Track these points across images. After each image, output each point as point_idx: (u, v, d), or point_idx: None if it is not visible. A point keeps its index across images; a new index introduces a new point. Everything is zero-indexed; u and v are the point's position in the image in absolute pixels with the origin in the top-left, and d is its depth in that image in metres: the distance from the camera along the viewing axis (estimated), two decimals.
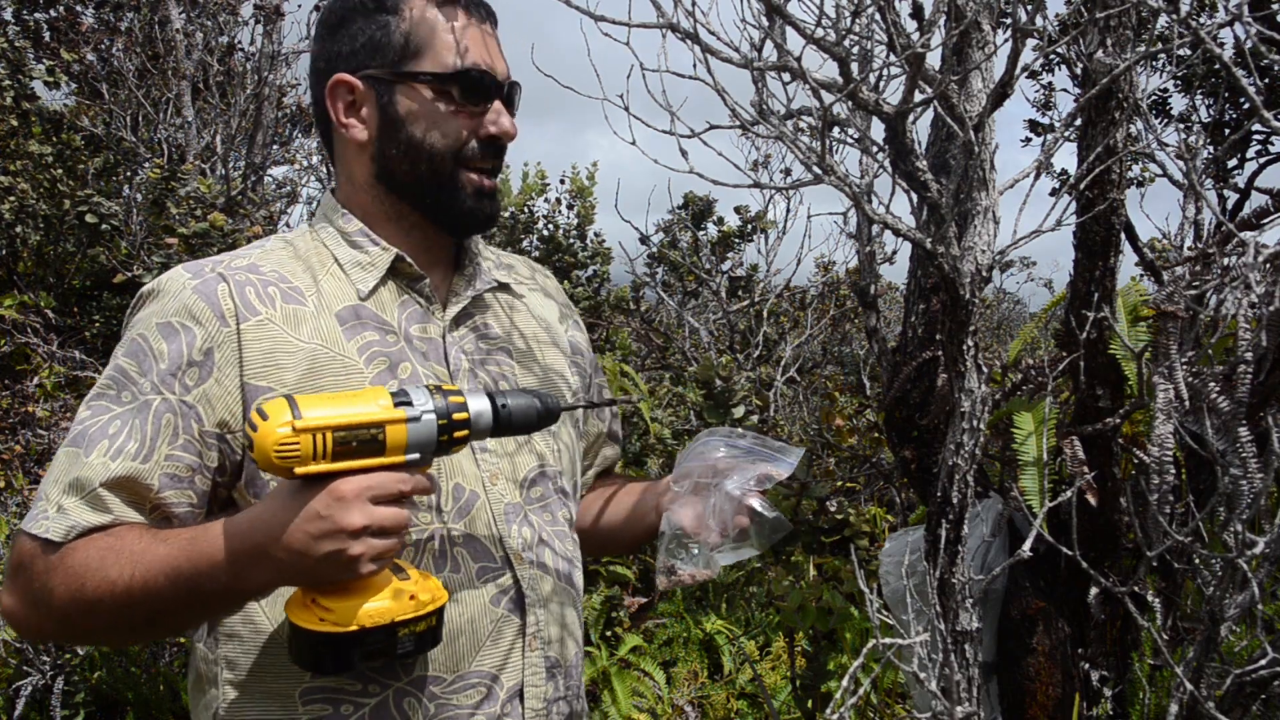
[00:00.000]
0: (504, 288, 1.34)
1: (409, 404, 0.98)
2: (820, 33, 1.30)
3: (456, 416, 1.00)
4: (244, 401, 1.10)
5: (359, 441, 0.95)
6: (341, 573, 0.97)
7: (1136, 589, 1.73)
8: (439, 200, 1.20)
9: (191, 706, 1.20)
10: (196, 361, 1.09)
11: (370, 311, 1.18)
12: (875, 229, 2.15)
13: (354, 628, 0.97)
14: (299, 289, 1.17)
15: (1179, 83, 5.51)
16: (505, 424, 1.05)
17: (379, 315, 1.18)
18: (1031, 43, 1.36)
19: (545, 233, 5.78)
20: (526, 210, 5.79)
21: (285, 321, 1.13)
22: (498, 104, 1.21)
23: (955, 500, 1.55)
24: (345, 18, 1.21)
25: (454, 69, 1.17)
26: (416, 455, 0.99)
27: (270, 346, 1.11)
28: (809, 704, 2.75)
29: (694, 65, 1.29)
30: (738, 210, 5.99)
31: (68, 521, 1.03)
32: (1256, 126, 4.05)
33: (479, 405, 1.03)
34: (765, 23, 1.32)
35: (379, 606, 0.98)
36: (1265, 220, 1.89)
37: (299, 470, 0.94)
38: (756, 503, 1.21)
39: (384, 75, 1.18)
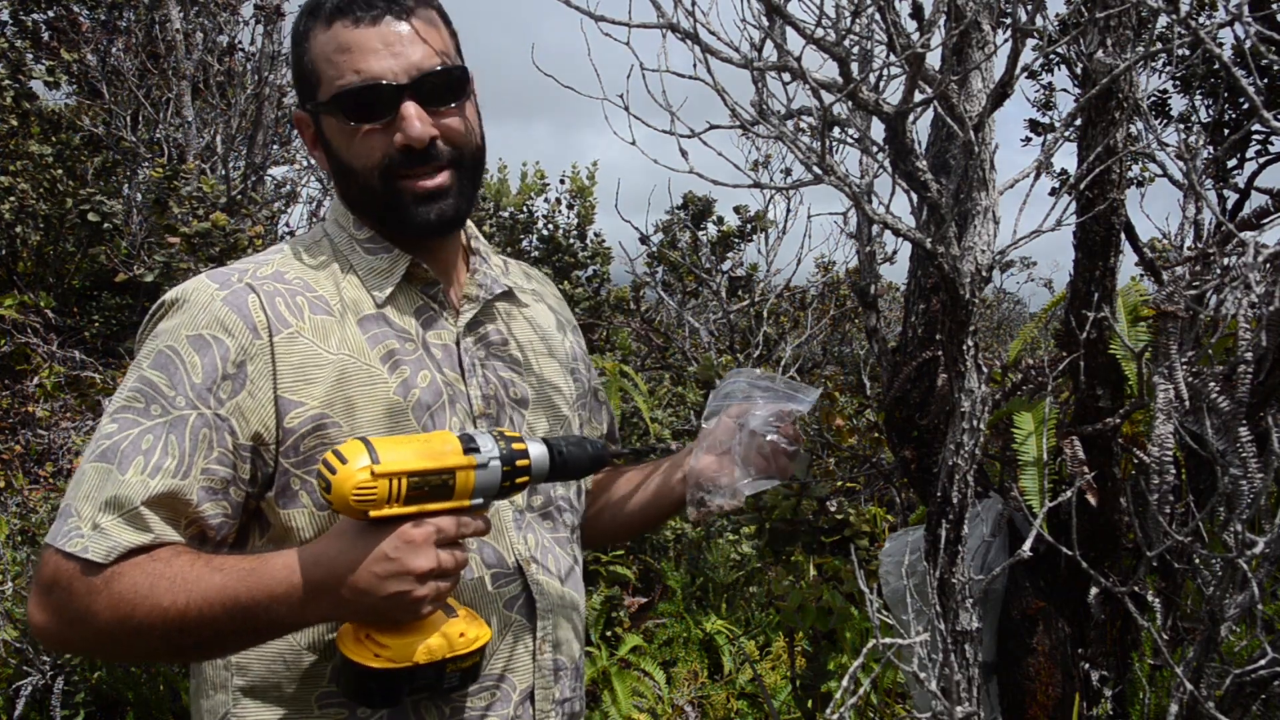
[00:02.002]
0: (508, 295, 1.33)
1: (477, 450, 1.01)
2: (820, 33, 1.30)
3: (519, 463, 1.04)
4: (277, 414, 1.09)
5: (430, 487, 0.98)
6: (405, 614, 1.00)
7: (1136, 589, 1.73)
8: (385, 216, 1.18)
9: (193, 710, 1.20)
10: (230, 374, 1.08)
11: (389, 318, 1.18)
12: (875, 229, 2.15)
13: (409, 665, 1.01)
14: (324, 298, 1.16)
15: (1179, 83, 5.51)
16: (560, 469, 1.09)
17: (397, 322, 1.18)
18: (1031, 43, 1.36)
19: (545, 233, 5.78)
20: (526, 210, 5.79)
21: (314, 333, 1.13)
22: (408, 108, 1.12)
23: (955, 500, 1.55)
24: (290, 51, 1.23)
25: (333, 92, 1.13)
26: (480, 500, 1.03)
27: (301, 360, 1.11)
28: (809, 704, 2.75)
29: (694, 65, 1.29)
30: (737, 210, 6.00)
31: (108, 542, 1.02)
32: (1256, 126, 4.05)
33: (539, 451, 1.08)
34: (765, 23, 1.32)
35: (434, 644, 1.02)
36: (1265, 220, 1.89)
37: (374, 514, 0.97)
38: (776, 437, 1.29)
39: (310, 109, 1.20)
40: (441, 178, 1.16)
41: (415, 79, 1.13)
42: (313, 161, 6.70)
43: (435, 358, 1.19)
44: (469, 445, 1.01)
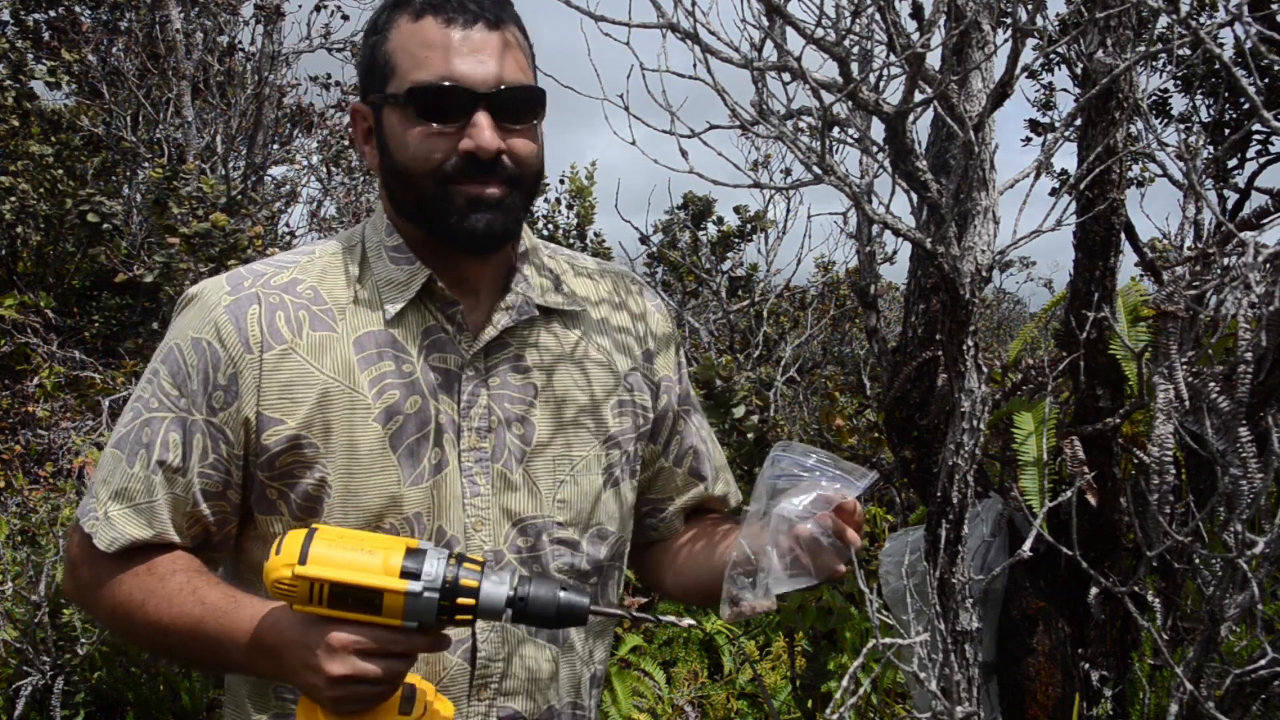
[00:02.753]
0: (553, 313, 1.24)
1: (416, 575, 0.97)
2: (820, 33, 1.30)
3: (461, 601, 0.98)
4: (257, 430, 1.10)
5: (354, 600, 0.98)
6: (330, 706, 1.01)
7: (1136, 589, 1.73)
8: (433, 220, 1.14)
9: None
10: (222, 385, 1.11)
11: (392, 339, 1.14)
12: (875, 229, 2.15)
13: None
14: (330, 311, 1.14)
15: (1179, 83, 5.51)
16: (521, 614, 1.01)
17: (400, 342, 1.15)
18: (1031, 43, 1.36)
19: (545, 233, 5.78)
20: None
21: (309, 351, 1.12)
22: (480, 118, 1.09)
23: (955, 500, 1.55)
24: (362, 44, 1.22)
25: (409, 86, 1.10)
26: (415, 624, 0.99)
27: (289, 379, 1.11)
28: (809, 704, 2.75)
29: (694, 65, 1.29)
30: (737, 210, 6.00)
31: (113, 532, 1.11)
32: (1256, 126, 4.05)
33: (493, 593, 0.99)
34: (765, 23, 1.32)
35: None
36: (1265, 220, 1.89)
37: (296, 608, 0.99)
38: (814, 528, 1.09)
39: (374, 100, 1.16)
40: (495, 190, 1.12)
41: (495, 91, 1.10)
42: (313, 162, 6.70)
43: (431, 383, 1.14)
44: (409, 570, 0.97)
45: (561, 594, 1.01)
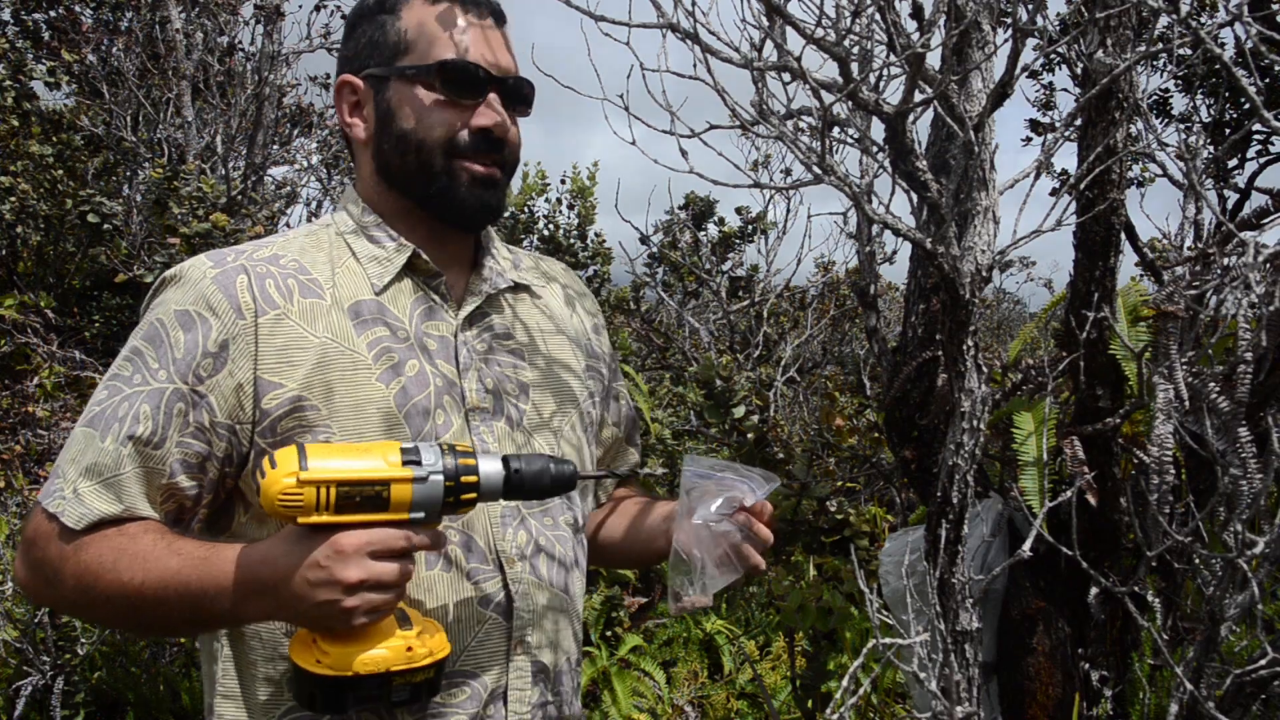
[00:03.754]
0: (522, 288, 1.34)
1: (418, 463, 0.99)
2: (820, 33, 1.30)
3: (465, 479, 1.01)
4: (256, 395, 1.10)
5: (362, 497, 0.97)
6: (335, 623, 0.99)
7: (1136, 589, 1.73)
8: (433, 191, 1.20)
9: (204, 678, 1.23)
10: (211, 353, 1.10)
11: (383, 307, 1.19)
12: (875, 229, 2.15)
13: (349, 674, 0.99)
14: (317, 281, 1.18)
15: (1179, 83, 5.51)
16: (517, 488, 1.05)
17: (391, 311, 1.19)
18: (1031, 43, 1.36)
19: (546, 233, 5.78)
20: (527, 210, 5.79)
21: (301, 316, 1.14)
22: (492, 98, 1.21)
23: (955, 500, 1.55)
24: (355, 22, 1.25)
25: (435, 61, 1.19)
26: (421, 514, 1.00)
27: (285, 342, 1.12)
28: (809, 704, 2.75)
29: (694, 65, 1.29)
30: (738, 210, 6.00)
31: (81, 509, 1.07)
32: (1256, 126, 4.05)
33: (490, 468, 1.03)
34: (765, 23, 1.32)
35: (375, 655, 1.00)
36: (1265, 220, 1.89)
37: (301, 520, 0.97)
38: (728, 527, 1.20)
39: (380, 73, 1.21)
40: (495, 170, 1.22)
41: (505, 77, 1.22)
42: (313, 162, 6.70)
43: (429, 350, 1.19)
44: (409, 458, 0.99)
45: (551, 466, 1.07)
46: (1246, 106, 5.51)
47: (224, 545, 1.05)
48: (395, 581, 0.99)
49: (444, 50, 1.19)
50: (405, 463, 0.99)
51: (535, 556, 1.22)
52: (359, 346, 1.15)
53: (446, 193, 1.20)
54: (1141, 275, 2.16)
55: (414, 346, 1.18)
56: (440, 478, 0.99)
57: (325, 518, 0.96)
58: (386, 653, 1.01)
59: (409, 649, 1.02)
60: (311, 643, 1.01)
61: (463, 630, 1.15)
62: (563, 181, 5.92)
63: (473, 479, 1.01)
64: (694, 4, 1.26)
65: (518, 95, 1.24)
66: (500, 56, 1.22)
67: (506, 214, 5.61)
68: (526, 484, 1.05)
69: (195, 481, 1.11)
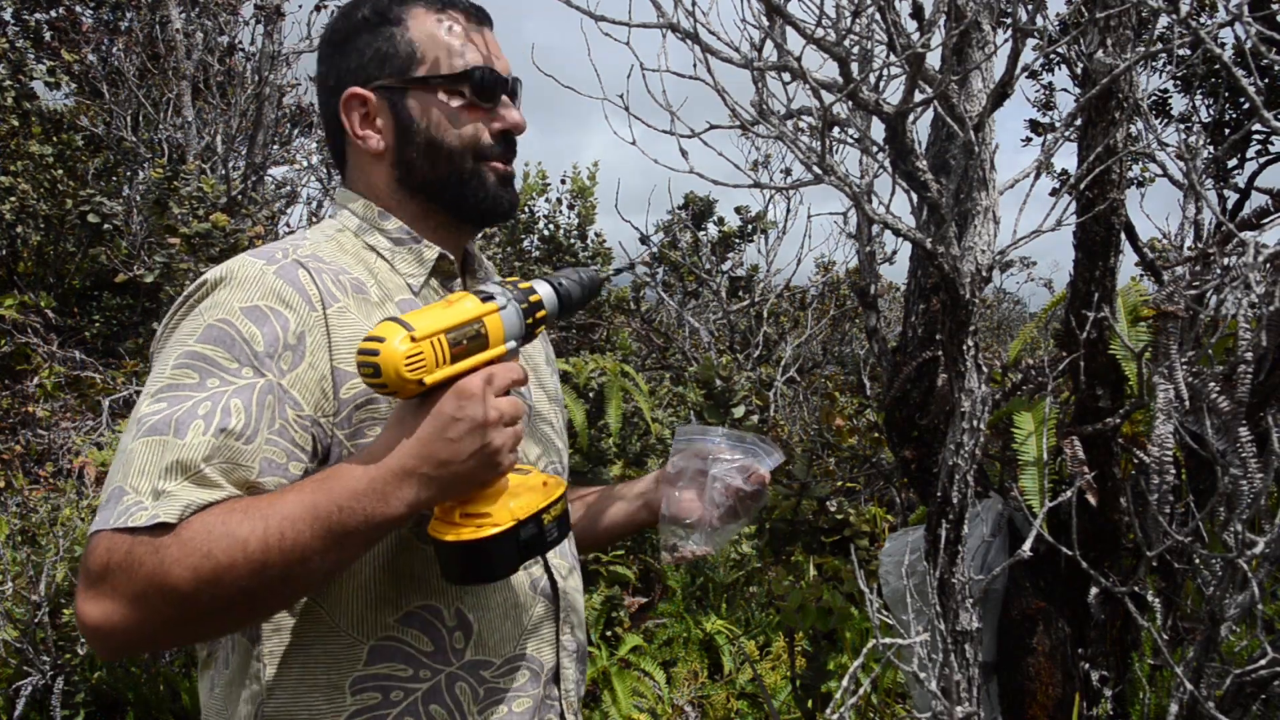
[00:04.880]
0: None
1: (492, 298, 1.07)
2: (820, 33, 1.30)
3: (533, 299, 1.11)
4: (334, 385, 1.09)
5: (467, 339, 1.02)
6: (488, 468, 1.01)
7: (1136, 589, 1.73)
8: (463, 194, 1.25)
9: (212, 706, 1.17)
10: (290, 345, 1.07)
11: (418, 305, 1.21)
12: (875, 229, 2.15)
13: (511, 523, 1.02)
14: (359, 280, 1.19)
15: (1179, 83, 5.51)
16: (568, 302, 1.17)
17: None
18: (1031, 43, 1.36)
19: (546, 233, 5.78)
20: (527, 210, 5.79)
21: (359, 310, 1.15)
22: (505, 99, 1.26)
23: (955, 500, 1.55)
24: (350, 35, 1.25)
25: (462, 70, 1.22)
26: (513, 343, 1.08)
27: (352, 333, 1.12)
28: (809, 704, 2.75)
29: (694, 65, 1.29)
30: (738, 210, 6.00)
31: (178, 503, 0.95)
32: (1256, 126, 4.05)
33: (545, 289, 1.14)
34: (765, 23, 1.32)
35: (524, 500, 1.05)
36: (1265, 220, 1.89)
37: (428, 379, 0.98)
38: (740, 483, 1.36)
39: (395, 84, 1.22)
40: (512, 169, 1.27)
41: (514, 79, 1.28)
42: (313, 162, 6.70)
43: None
44: (484, 296, 1.07)
45: (583, 274, 1.20)
46: (1246, 106, 5.52)
47: (335, 465, 1.01)
48: (518, 414, 1.04)
49: (466, 59, 1.23)
50: (483, 299, 1.06)
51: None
52: None
53: (478, 194, 1.25)
54: (1141, 275, 2.17)
55: None
56: (515, 304, 1.09)
57: (444, 371, 0.99)
58: (530, 492, 1.06)
59: (544, 484, 1.08)
60: (459, 519, 1.02)
61: (521, 613, 1.19)
62: (563, 182, 5.92)
63: (537, 298, 1.11)
64: (694, 4, 1.26)
65: (516, 94, 1.30)
66: (504, 60, 1.28)
67: None
68: (574, 296, 1.17)
69: (279, 483, 1.03)
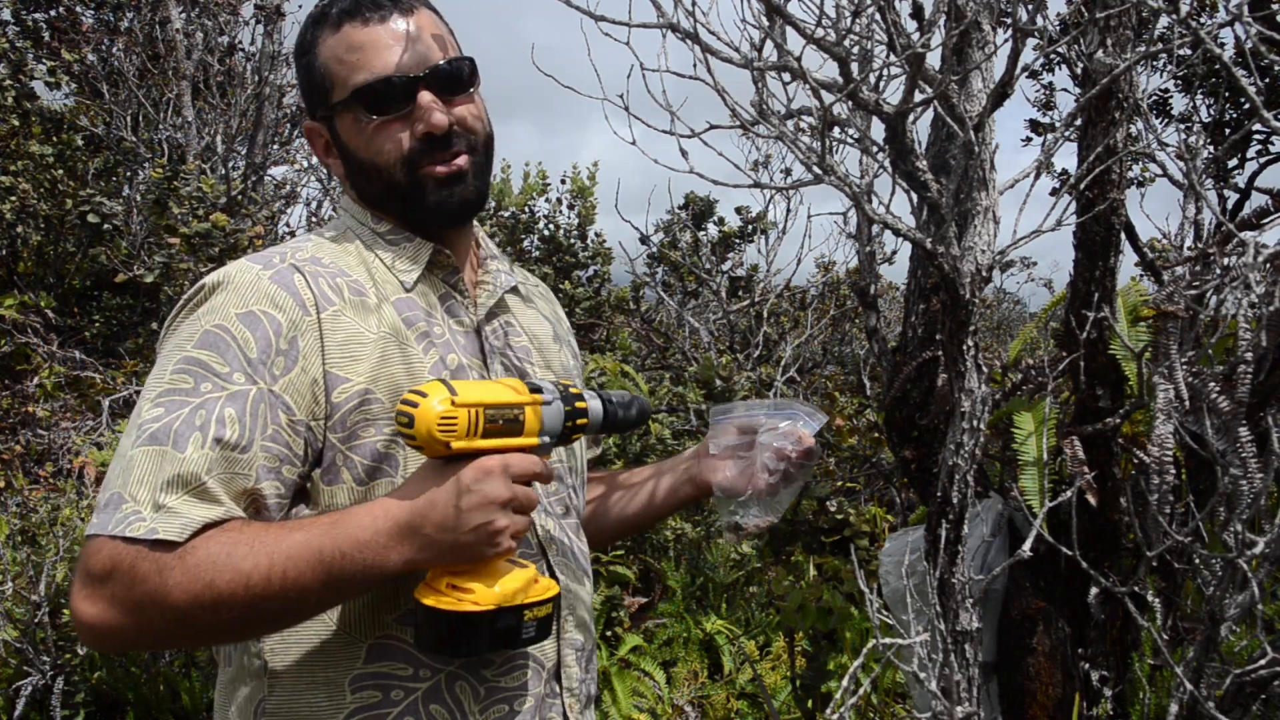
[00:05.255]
0: (515, 290, 1.38)
1: (541, 390, 1.10)
2: (820, 33, 1.30)
3: (578, 405, 1.14)
4: (326, 389, 1.10)
5: (504, 420, 1.04)
6: (486, 546, 1.02)
7: (1136, 589, 1.73)
8: (406, 207, 1.22)
9: (220, 704, 1.18)
10: (283, 350, 1.08)
11: (417, 303, 1.21)
12: (875, 229, 2.15)
13: (491, 607, 1.03)
14: (358, 282, 1.19)
15: (1179, 83, 5.51)
16: (613, 422, 1.18)
17: (423, 306, 1.22)
18: (1031, 43, 1.36)
19: (546, 233, 5.78)
20: (528, 210, 5.79)
21: (355, 313, 1.15)
22: (424, 98, 1.17)
23: (955, 500, 1.55)
24: (297, 68, 1.27)
25: (353, 89, 1.17)
26: (547, 439, 1.10)
27: (345, 337, 1.13)
28: (809, 704, 2.75)
29: (694, 65, 1.29)
30: (738, 210, 6.00)
31: (180, 520, 0.98)
32: (1256, 126, 4.05)
33: (594, 403, 1.17)
34: (765, 23, 1.32)
35: (511, 588, 1.05)
36: (1265, 220, 1.89)
37: (455, 445, 1.01)
38: (788, 446, 1.34)
39: (323, 114, 1.23)
40: (460, 161, 1.21)
41: (429, 71, 1.18)
42: (313, 162, 6.71)
43: (460, 343, 1.23)
44: (534, 387, 1.09)
45: (636, 401, 1.21)
46: (1246, 106, 5.52)
47: (348, 508, 1.05)
48: (531, 504, 1.04)
49: (358, 74, 1.17)
50: (532, 390, 1.09)
51: (564, 542, 1.28)
52: (411, 340, 1.17)
53: (418, 204, 1.21)
54: (1141, 275, 2.17)
55: (449, 342, 1.22)
56: (560, 404, 1.11)
57: (474, 442, 1.02)
58: (519, 586, 1.06)
59: (535, 580, 1.08)
60: (446, 587, 1.03)
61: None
62: (563, 182, 5.92)
63: (583, 405, 1.14)
64: (694, 4, 1.26)
65: (453, 79, 1.20)
66: (418, 51, 1.18)
67: (507, 214, 5.61)
68: (620, 417, 1.19)
69: (275, 487, 1.06)
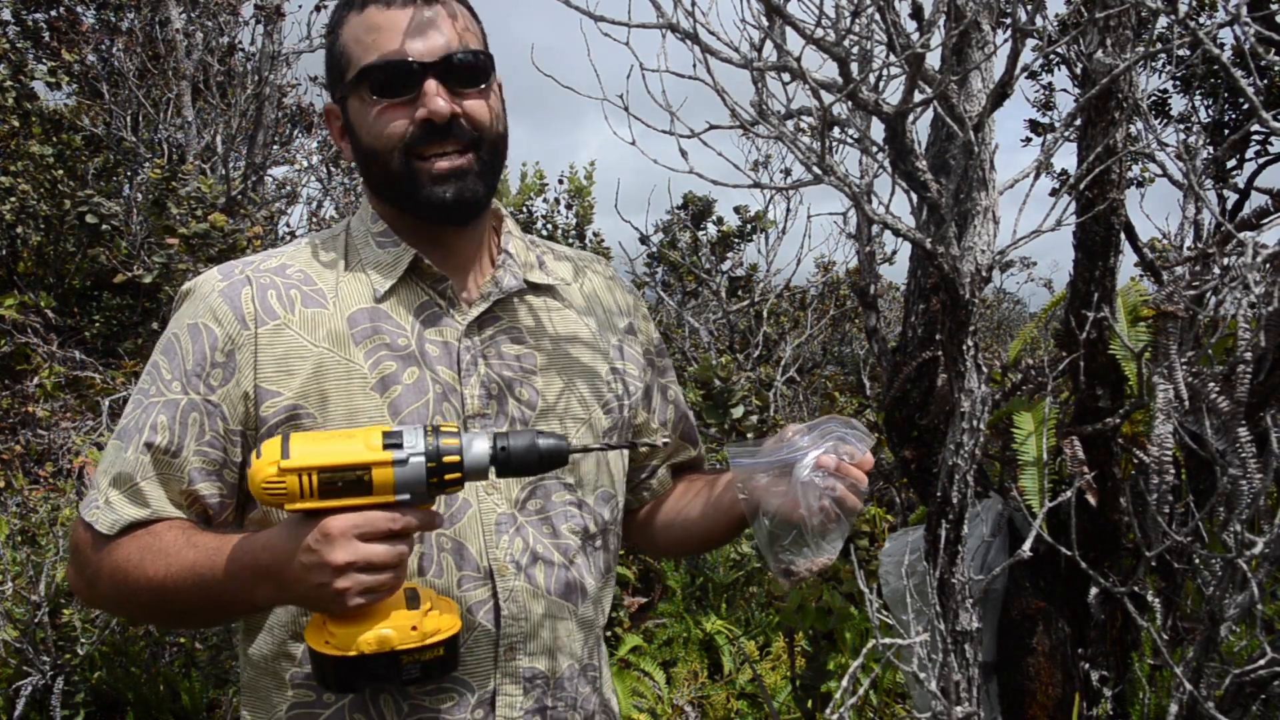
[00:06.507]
0: (540, 289, 1.30)
1: (398, 446, 1.00)
2: (820, 33, 1.30)
3: (447, 459, 1.01)
4: (256, 402, 1.14)
5: (344, 482, 0.99)
6: (330, 605, 1.01)
7: (1136, 589, 1.73)
8: (402, 194, 1.19)
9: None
10: (219, 362, 1.14)
11: (384, 314, 1.19)
12: (875, 229, 2.15)
13: (353, 653, 1.01)
14: (321, 291, 1.19)
15: (1179, 83, 5.51)
16: (504, 464, 1.04)
17: (392, 318, 1.19)
18: (1031, 43, 1.36)
19: (544, 233, 5.78)
20: (525, 210, 5.79)
21: (302, 326, 1.16)
22: (430, 85, 1.14)
23: (955, 500, 1.55)
24: (325, 49, 1.27)
25: (362, 68, 1.16)
26: (407, 496, 1.01)
27: (284, 352, 1.14)
28: (809, 704, 2.75)
29: (694, 65, 1.29)
30: (738, 210, 6.00)
31: (113, 515, 1.13)
32: (1256, 127, 4.05)
33: (477, 448, 1.03)
34: (765, 23, 1.32)
35: (379, 635, 1.02)
36: (1265, 220, 1.89)
37: (288, 507, 1.00)
38: (833, 483, 1.14)
39: (339, 95, 1.23)
40: (463, 159, 1.17)
41: (440, 59, 1.15)
42: (314, 162, 6.70)
43: (430, 355, 1.18)
44: (390, 441, 1.00)
45: (540, 441, 1.05)
46: (1246, 107, 5.51)
47: (235, 536, 1.09)
48: (387, 562, 1.00)
49: (369, 55, 1.15)
50: (386, 446, 1.00)
51: (532, 566, 1.20)
52: (355, 356, 1.15)
53: (413, 194, 1.18)
54: (1141, 275, 2.16)
55: (413, 354, 1.17)
56: (421, 459, 1.00)
57: (312, 503, 0.99)
58: (391, 632, 1.02)
59: (414, 628, 1.04)
60: (322, 625, 1.04)
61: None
62: (560, 181, 5.92)
63: (455, 459, 1.01)
64: (694, 4, 1.26)
65: (466, 72, 1.17)
66: (433, 39, 1.15)
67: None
68: (514, 460, 1.04)
69: (216, 488, 1.16)
